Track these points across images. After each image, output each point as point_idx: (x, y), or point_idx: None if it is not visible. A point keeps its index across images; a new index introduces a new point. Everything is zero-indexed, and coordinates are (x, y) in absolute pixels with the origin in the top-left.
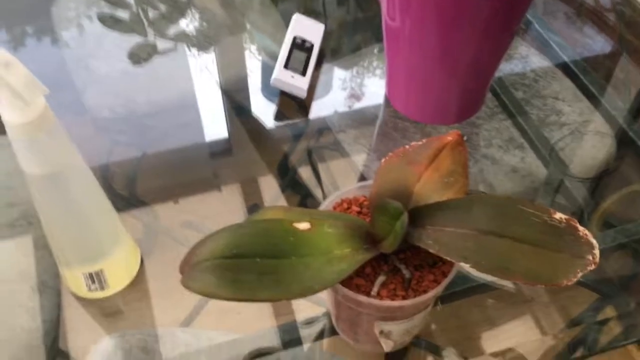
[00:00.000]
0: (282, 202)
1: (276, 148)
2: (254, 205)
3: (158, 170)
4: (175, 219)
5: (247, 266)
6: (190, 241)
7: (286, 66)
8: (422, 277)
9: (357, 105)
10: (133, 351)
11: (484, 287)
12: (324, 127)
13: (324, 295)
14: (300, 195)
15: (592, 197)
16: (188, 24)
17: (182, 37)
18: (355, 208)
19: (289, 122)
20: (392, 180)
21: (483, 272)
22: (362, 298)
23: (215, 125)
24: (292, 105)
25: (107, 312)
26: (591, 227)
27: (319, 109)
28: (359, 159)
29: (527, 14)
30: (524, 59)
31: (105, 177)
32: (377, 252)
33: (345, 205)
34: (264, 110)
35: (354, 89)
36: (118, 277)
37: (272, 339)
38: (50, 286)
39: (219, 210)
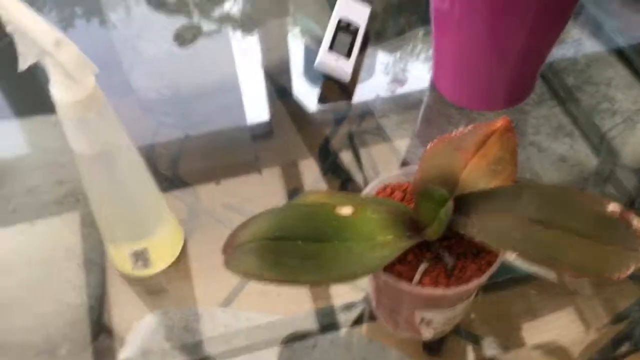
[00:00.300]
0: (322, 186)
1: (318, 132)
2: (294, 189)
3: (201, 152)
4: (217, 201)
5: (289, 249)
6: (233, 222)
7: (331, 49)
8: (465, 266)
9: (401, 89)
10: (175, 329)
11: (527, 278)
12: (366, 112)
13: (364, 281)
14: (341, 180)
15: None
16: (232, 6)
17: (227, 19)
18: (398, 194)
19: (331, 106)
20: (437, 166)
21: (530, 262)
22: (404, 285)
23: (257, 108)
24: (334, 89)
25: (151, 290)
26: None
27: (362, 93)
28: (401, 144)
29: None
30: (576, 43)
31: (150, 157)
32: (420, 239)
33: (388, 191)
34: (306, 94)
35: (398, 73)
36: (162, 255)
37: (310, 323)
38: (96, 263)
39: (259, 193)
